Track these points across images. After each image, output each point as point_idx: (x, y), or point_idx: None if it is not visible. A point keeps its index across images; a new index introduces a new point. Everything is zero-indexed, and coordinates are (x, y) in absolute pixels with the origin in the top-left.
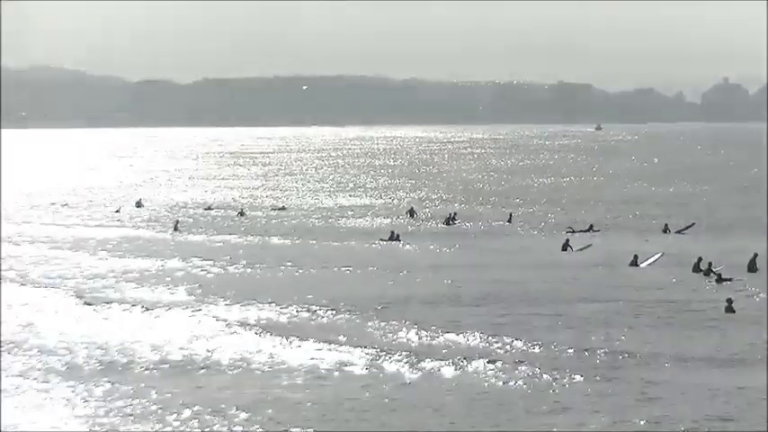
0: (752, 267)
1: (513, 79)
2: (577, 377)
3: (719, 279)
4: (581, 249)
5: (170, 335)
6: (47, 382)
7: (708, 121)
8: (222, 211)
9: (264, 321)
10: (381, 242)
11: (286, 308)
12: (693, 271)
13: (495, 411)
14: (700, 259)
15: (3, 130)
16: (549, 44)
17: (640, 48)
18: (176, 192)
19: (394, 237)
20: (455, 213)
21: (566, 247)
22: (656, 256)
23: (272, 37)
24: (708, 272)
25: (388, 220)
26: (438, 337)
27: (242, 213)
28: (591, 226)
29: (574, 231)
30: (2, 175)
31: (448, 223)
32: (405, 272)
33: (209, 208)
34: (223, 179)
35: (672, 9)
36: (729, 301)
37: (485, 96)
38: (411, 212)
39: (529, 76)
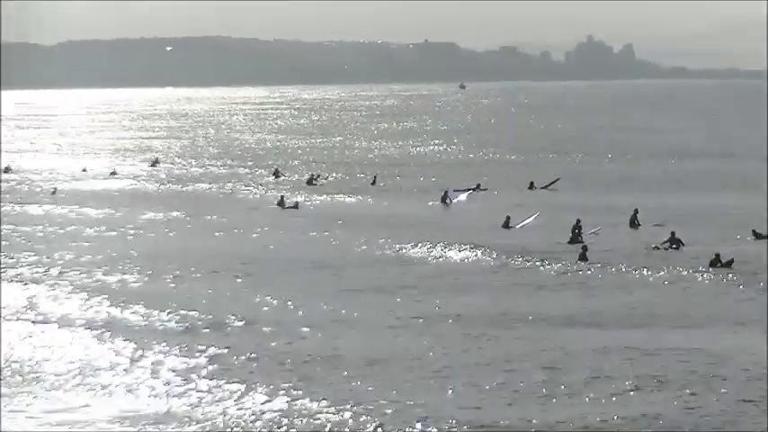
0: (633, 223)
1: (378, 39)
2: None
3: (573, 240)
4: (459, 197)
5: None
6: None
7: (573, 79)
8: (96, 172)
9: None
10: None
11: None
12: (572, 233)
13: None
14: (578, 221)
15: None
16: (413, 3)
17: (506, 6)
18: (38, 157)
19: (286, 204)
20: (318, 174)
21: (444, 199)
22: (532, 218)
23: None
24: (578, 235)
25: (255, 183)
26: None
27: (113, 173)
28: (478, 185)
29: (460, 191)
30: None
31: (310, 183)
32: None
33: (84, 170)
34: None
35: None
36: (585, 248)
37: (350, 56)
38: (276, 173)
39: (394, 35)
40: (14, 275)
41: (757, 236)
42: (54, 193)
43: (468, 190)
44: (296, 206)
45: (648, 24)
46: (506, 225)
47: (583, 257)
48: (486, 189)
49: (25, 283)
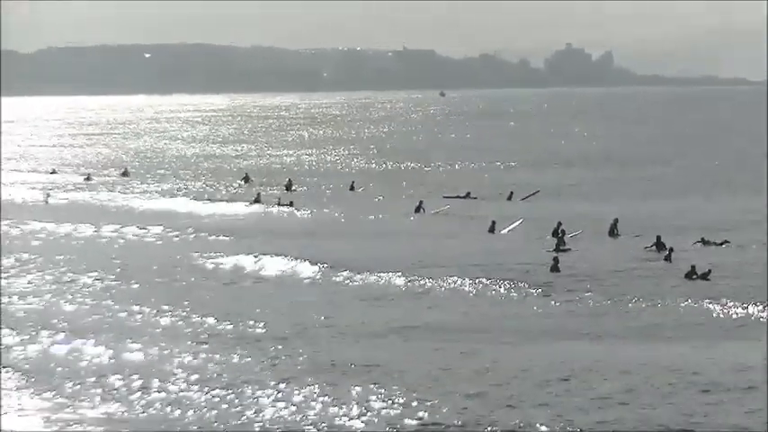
0: (612, 232)
1: (357, 46)
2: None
3: (557, 248)
4: (435, 213)
5: None
6: None
7: (552, 86)
8: (66, 175)
9: None
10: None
11: None
12: (553, 235)
13: None
14: (559, 224)
15: None
16: (392, 11)
17: (484, 13)
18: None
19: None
20: (289, 179)
21: (419, 209)
22: (517, 223)
23: (115, 5)
24: (561, 239)
25: (223, 186)
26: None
27: (88, 178)
28: (468, 193)
29: (450, 197)
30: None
31: (288, 189)
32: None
33: (53, 172)
34: None
35: None
36: (556, 260)
37: (329, 64)
38: (246, 179)
39: (372, 43)
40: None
41: (705, 243)
42: (47, 199)
43: (458, 197)
44: (291, 204)
45: (627, 32)
46: (492, 230)
47: (554, 268)
48: (475, 198)
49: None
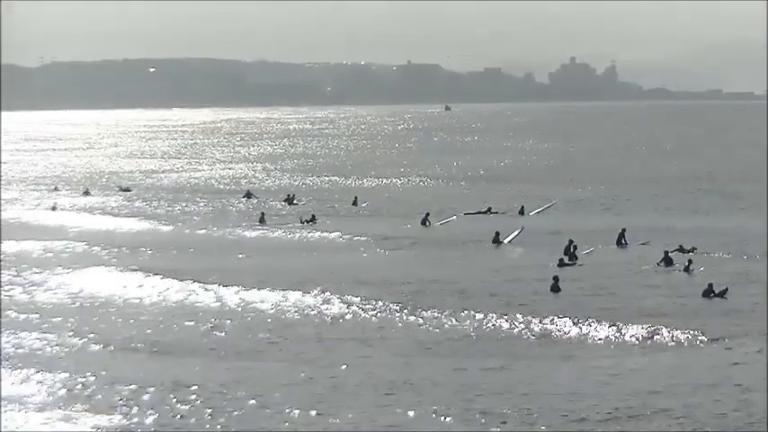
0: (620, 242)
1: (362, 60)
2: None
3: (561, 263)
4: (442, 223)
5: None
6: None
7: (556, 100)
8: (65, 191)
9: None
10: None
11: None
12: (565, 253)
13: None
14: (571, 241)
15: None
16: (397, 26)
17: (489, 27)
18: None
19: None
20: (293, 195)
21: (425, 221)
22: (516, 232)
23: (122, 19)
24: (572, 255)
25: (227, 202)
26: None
27: (87, 192)
28: (489, 208)
29: (471, 213)
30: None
31: (290, 203)
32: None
33: (55, 189)
34: None
35: None
36: (556, 279)
37: (333, 78)
38: (248, 195)
39: (377, 57)
40: None
41: (682, 251)
42: (54, 208)
43: (479, 213)
44: (313, 219)
45: (632, 46)
46: (496, 240)
47: (555, 288)
48: (497, 212)
49: None
